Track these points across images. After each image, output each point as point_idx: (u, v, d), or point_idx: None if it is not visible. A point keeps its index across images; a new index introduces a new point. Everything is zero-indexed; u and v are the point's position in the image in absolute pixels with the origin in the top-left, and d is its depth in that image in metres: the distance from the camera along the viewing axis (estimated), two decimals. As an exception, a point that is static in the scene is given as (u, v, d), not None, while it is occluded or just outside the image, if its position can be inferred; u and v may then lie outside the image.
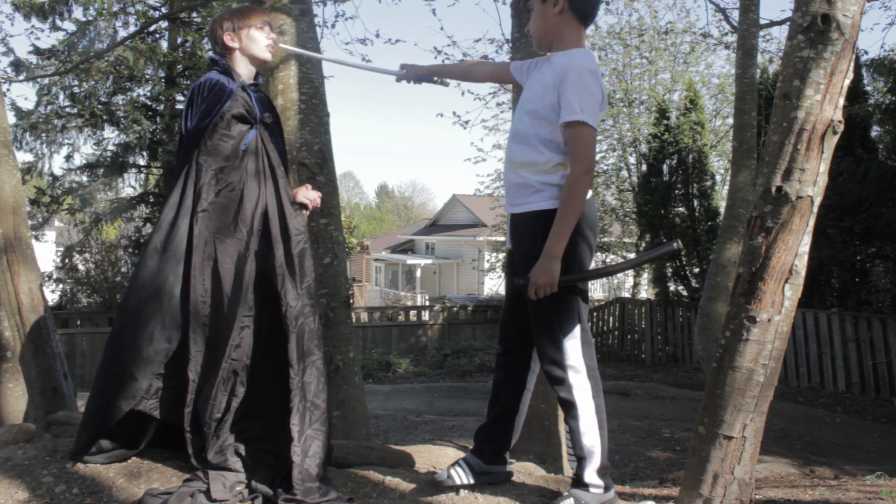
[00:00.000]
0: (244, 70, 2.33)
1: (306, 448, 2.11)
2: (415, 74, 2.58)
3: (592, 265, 2.20)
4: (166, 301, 2.15)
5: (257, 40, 2.32)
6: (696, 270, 11.81)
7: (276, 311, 2.17)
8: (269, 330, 2.18)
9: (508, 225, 2.26)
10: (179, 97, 12.68)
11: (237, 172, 2.21)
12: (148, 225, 13.41)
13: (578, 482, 2.11)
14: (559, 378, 2.11)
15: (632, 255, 16.37)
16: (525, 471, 2.60)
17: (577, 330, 2.11)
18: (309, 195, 2.43)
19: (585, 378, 2.10)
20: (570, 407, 2.11)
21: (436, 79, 2.58)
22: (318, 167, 3.43)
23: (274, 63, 3.49)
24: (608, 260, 16.15)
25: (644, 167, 13.67)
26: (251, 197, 2.22)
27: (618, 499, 2.18)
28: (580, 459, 2.11)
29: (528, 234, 2.13)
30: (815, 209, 1.95)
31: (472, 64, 2.64)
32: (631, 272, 17.33)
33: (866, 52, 10.57)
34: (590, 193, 2.15)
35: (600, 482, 2.10)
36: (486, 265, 21.36)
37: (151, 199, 13.57)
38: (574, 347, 2.09)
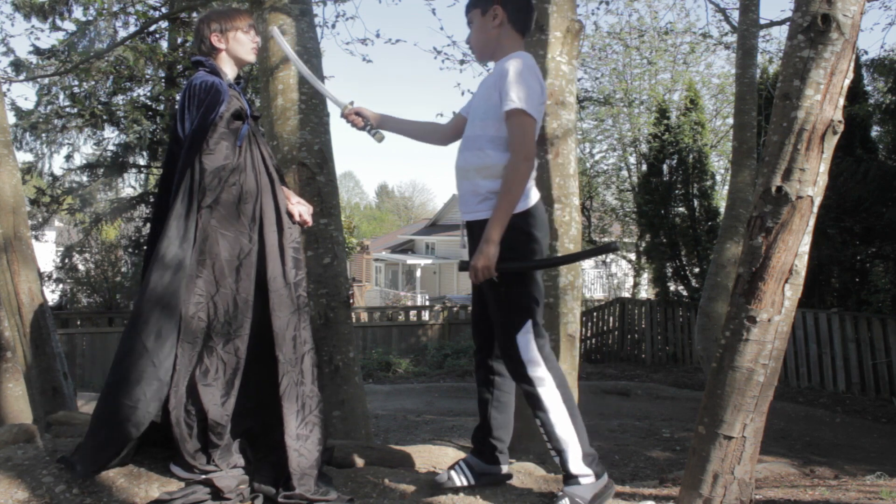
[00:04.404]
0: (229, 70, 2.39)
1: (305, 433, 2.13)
2: (353, 119, 2.42)
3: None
4: (177, 313, 2.11)
5: (244, 43, 2.38)
6: (696, 270, 11.81)
7: (266, 305, 2.18)
8: (262, 325, 2.19)
9: (463, 231, 2.33)
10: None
11: (236, 169, 2.23)
12: (148, 225, 13.37)
13: (567, 477, 2.13)
14: (519, 373, 2.16)
15: (632, 256, 16.44)
16: (525, 471, 2.60)
17: (529, 325, 2.15)
18: (301, 209, 2.40)
19: (545, 370, 2.14)
20: (535, 400, 2.14)
21: (372, 131, 2.43)
22: (318, 167, 3.43)
23: (274, 63, 3.49)
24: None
25: (644, 167, 13.68)
26: (250, 191, 2.25)
27: (613, 484, 2.19)
28: (560, 453, 2.14)
29: (479, 241, 2.16)
30: (815, 209, 1.96)
31: (432, 126, 2.53)
32: (631, 271, 17.41)
33: (866, 52, 10.59)
34: (537, 198, 2.19)
35: (588, 470, 2.11)
36: (486, 265, 21.32)
37: (151, 199, 13.52)
38: (526, 342, 2.14)
